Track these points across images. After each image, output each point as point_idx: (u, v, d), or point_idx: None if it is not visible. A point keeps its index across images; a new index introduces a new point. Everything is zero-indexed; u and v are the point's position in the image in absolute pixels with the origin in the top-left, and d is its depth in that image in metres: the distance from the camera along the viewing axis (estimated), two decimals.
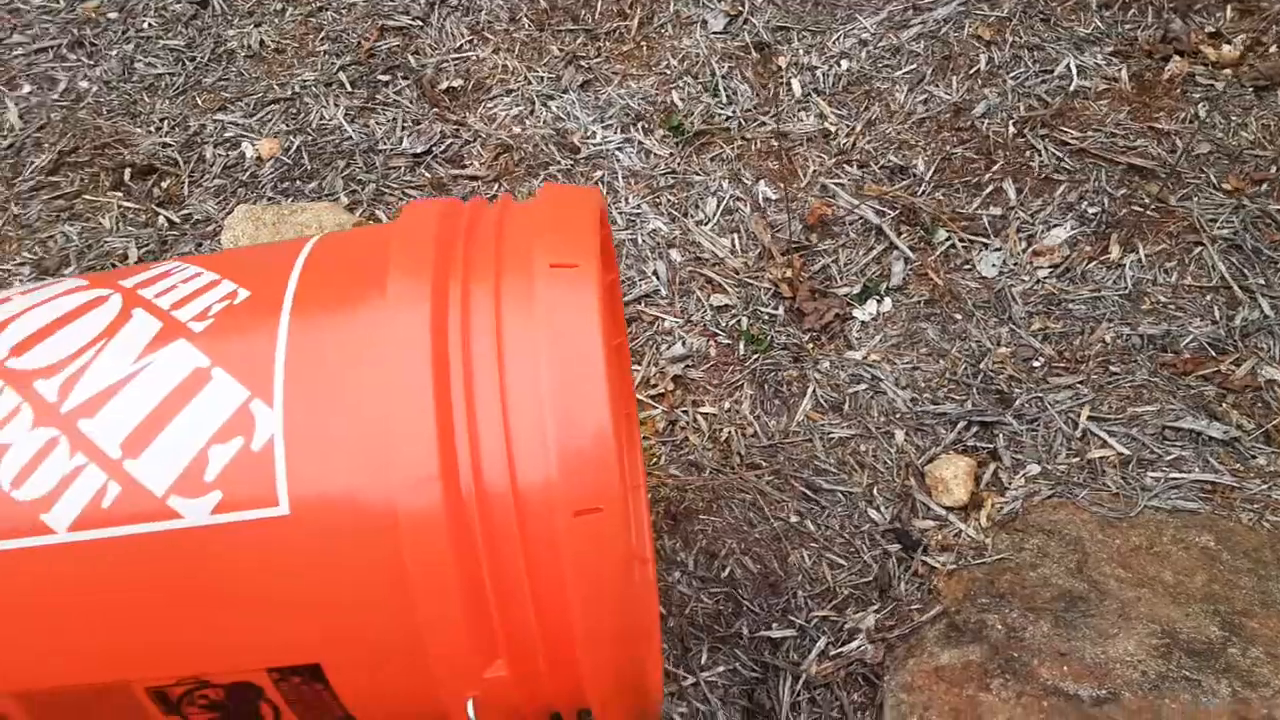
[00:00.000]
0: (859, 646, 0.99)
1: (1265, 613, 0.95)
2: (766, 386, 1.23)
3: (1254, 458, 1.10)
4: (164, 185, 1.46)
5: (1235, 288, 1.25)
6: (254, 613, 0.63)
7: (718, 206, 1.41)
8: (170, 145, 1.50)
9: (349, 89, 1.59)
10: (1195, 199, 1.34)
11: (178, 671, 0.64)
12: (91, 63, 1.64)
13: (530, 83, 1.58)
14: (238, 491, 0.61)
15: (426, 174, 1.48)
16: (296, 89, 1.59)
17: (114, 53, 1.66)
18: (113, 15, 1.72)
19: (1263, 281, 1.26)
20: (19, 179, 1.48)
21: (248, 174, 1.47)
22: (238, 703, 0.67)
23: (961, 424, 1.16)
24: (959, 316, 1.27)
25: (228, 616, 0.63)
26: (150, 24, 1.69)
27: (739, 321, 1.29)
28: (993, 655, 0.94)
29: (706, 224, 1.39)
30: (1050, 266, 1.31)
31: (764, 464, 1.15)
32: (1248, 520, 1.05)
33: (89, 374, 0.65)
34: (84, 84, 1.61)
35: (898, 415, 1.18)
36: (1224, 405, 1.15)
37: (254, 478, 0.61)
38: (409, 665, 0.64)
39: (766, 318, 1.29)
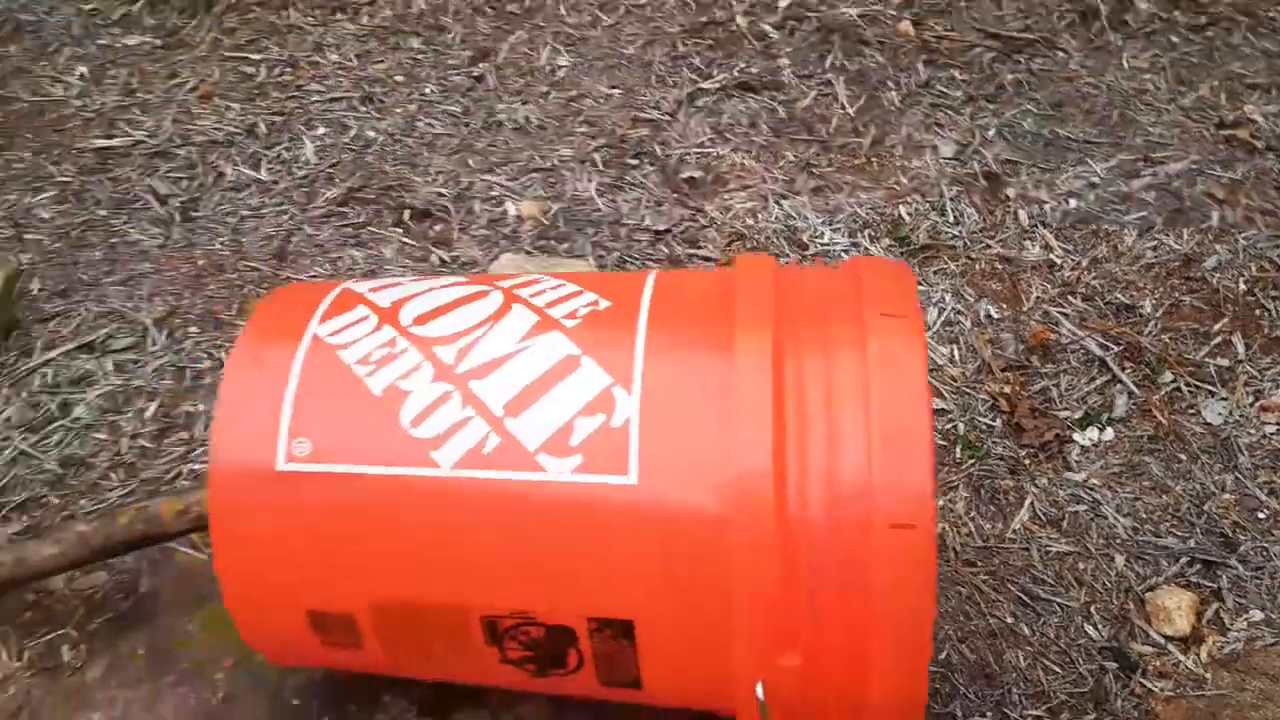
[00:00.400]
0: None
1: None
2: (983, 491, 1.26)
3: None
4: (437, 228, 1.62)
5: None
6: (589, 564, 0.71)
7: (939, 316, 1.47)
8: (444, 195, 1.68)
9: (600, 167, 1.74)
10: None
11: (513, 605, 0.72)
12: (379, 116, 1.85)
13: (765, 181, 1.71)
14: (596, 458, 0.70)
15: (665, 249, 1.60)
16: (555, 162, 1.75)
17: (399, 110, 1.86)
18: (399, 78, 1.94)
19: None
20: (312, 205, 1.67)
21: (509, 229, 1.62)
22: (552, 646, 0.74)
23: (1185, 559, 1.17)
24: (1183, 457, 1.29)
25: (566, 563, 0.71)
26: (432, 90, 1.90)
27: (955, 426, 1.34)
28: None
29: (927, 331, 1.45)
30: (1277, 424, 1.32)
31: (979, 563, 1.18)
32: None
33: (480, 346, 0.75)
34: (371, 133, 1.82)
35: (1118, 540, 1.20)
36: None
37: (610, 449, 0.70)
38: (713, 637, 0.70)
39: (984, 427, 1.34)
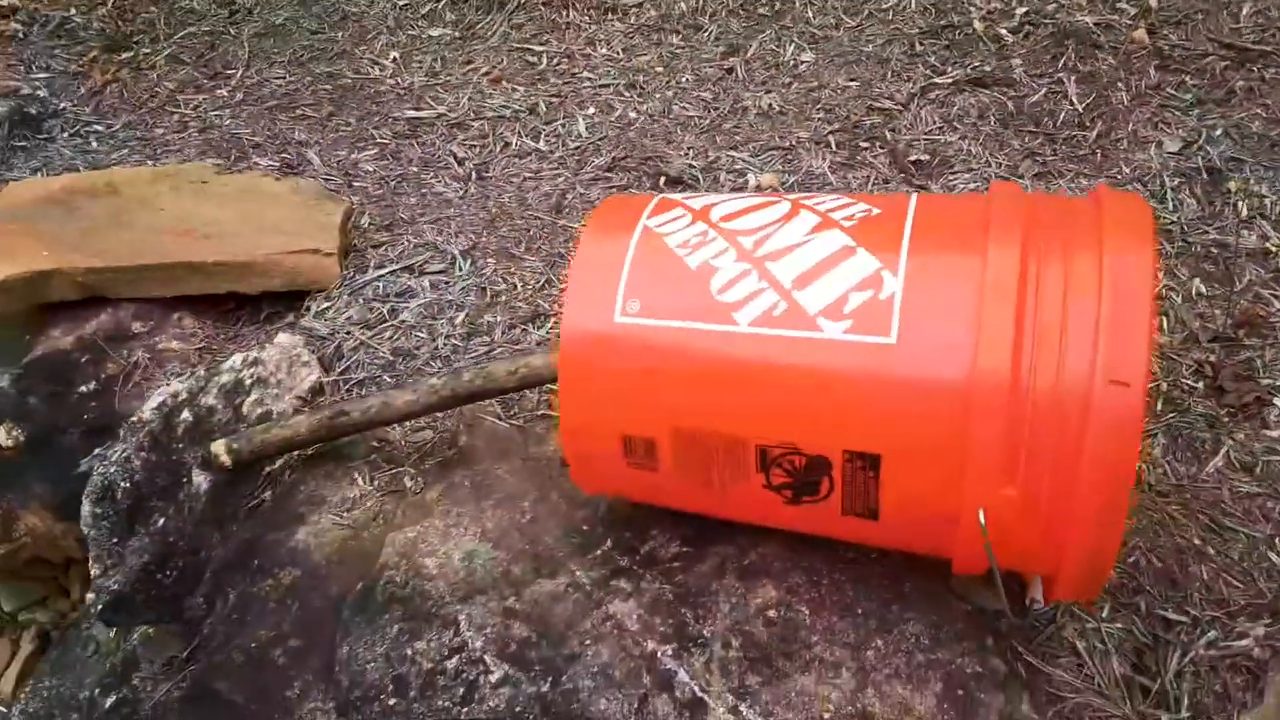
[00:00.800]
0: (1247, 645, 1.12)
1: None
2: (1180, 440, 1.38)
3: None
4: (687, 193, 1.87)
5: None
6: (851, 406, 0.92)
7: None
8: (694, 166, 1.92)
9: (834, 148, 1.95)
10: None
11: (783, 437, 0.94)
12: (641, 100, 2.13)
13: (990, 165, 1.86)
14: (864, 323, 0.91)
15: None
16: (793, 142, 1.97)
17: (658, 96, 2.13)
18: (659, 69, 2.21)
19: None
20: (582, 171, 1.95)
21: None
22: (810, 473, 0.95)
23: None
24: None
25: (832, 403, 0.92)
26: (687, 80, 2.16)
27: (1159, 385, 1.46)
28: None
29: None
30: None
31: (1172, 496, 1.30)
32: None
33: (774, 237, 0.98)
34: (633, 114, 2.10)
35: None
36: None
37: (876, 316, 0.91)
38: (945, 471, 0.89)
39: (1186, 388, 1.45)
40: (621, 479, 1.07)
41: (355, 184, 1.99)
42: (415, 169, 2.02)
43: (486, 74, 2.28)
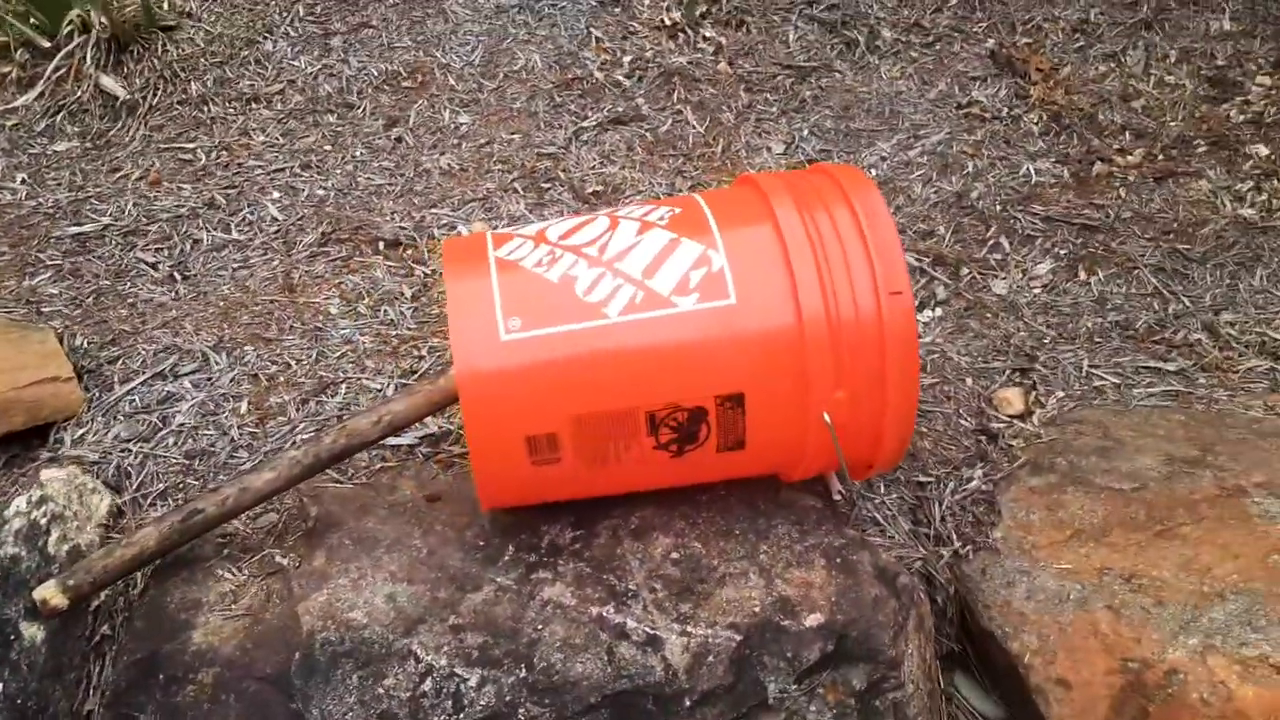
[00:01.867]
0: (976, 484, 1.52)
1: (1224, 445, 1.53)
2: None
3: (1197, 379, 1.72)
4: (409, 252, 2.00)
5: (1164, 292, 1.91)
6: (713, 360, 1.15)
7: None
8: (406, 228, 2.05)
9: (522, 193, 2.18)
10: (1129, 243, 2.02)
11: (666, 399, 1.15)
12: (323, 177, 2.20)
13: (652, 185, 2.21)
14: (708, 292, 1.15)
15: None
16: (484, 193, 2.17)
17: (338, 171, 2.22)
18: (328, 148, 2.29)
19: (1180, 288, 1.92)
20: (295, 250, 2.00)
21: None
22: (692, 423, 1.17)
23: (1008, 370, 1.74)
24: (989, 315, 1.88)
25: (699, 362, 1.15)
26: (362, 152, 2.27)
27: None
28: (1064, 476, 1.49)
29: None
30: (1040, 287, 1.95)
31: None
32: (1201, 408, 1.65)
33: (610, 244, 1.19)
34: (320, 191, 2.17)
35: (964, 369, 1.76)
36: (1172, 354, 1.78)
37: (716, 286, 1.16)
38: (794, 394, 1.16)
39: None
40: (525, 483, 1.21)
41: (44, 310, 1.85)
42: (108, 282, 1.92)
43: (142, 178, 2.20)
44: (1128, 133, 2.30)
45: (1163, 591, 1.31)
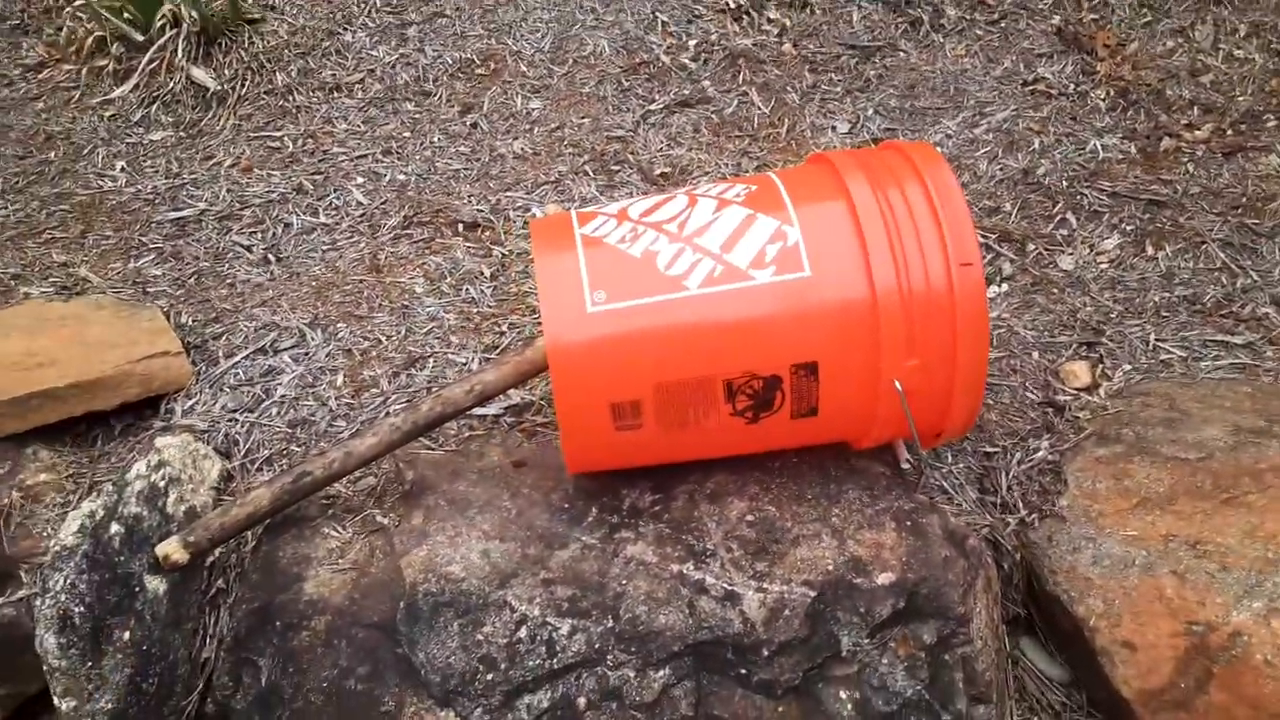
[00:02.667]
0: (1042, 454, 1.56)
1: None
2: None
3: (1264, 352, 1.73)
4: (487, 234, 2.09)
5: (1233, 266, 1.92)
6: (789, 330, 1.21)
7: None
8: (483, 210, 2.14)
9: (592, 175, 2.25)
10: (1197, 218, 2.02)
11: (743, 368, 1.22)
12: (403, 163, 2.30)
13: (720, 166, 2.26)
14: (784, 265, 1.21)
15: None
16: (556, 176, 2.25)
17: (418, 157, 2.31)
18: (407, 134, 2.39)
19: (1249, 263, 1.92)
20: (380, 233, 2.09)
21: None
22: (767, 390, 1.23)
23: (1075, 344, 1.77)
24: (1055, 290, 1.91)
25: (775, 331, 1.21)
26: (439, 138, 2.36)
27: None
28: (1130, 447, 1.53)
29: None
30: (1107, 262, 1.97)
31: None
32: (1268, 380, 1.66)
33: (690, 221, 1.25)
34: (401, 176, 2.26)
35: (1030, 343, 1.79)
36: (1239, 327, 1.79)
37: (791, 259, 1.22)
38: (866, 363, 1.22)
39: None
40: (608, 447, 1.28)
41: (150, 290, 1.97)
42: (207, 264, 2.04)
43: (234, 165, 2.32)
44: (1196, 108, 2.30)
45: (1227, 557, 1.34)
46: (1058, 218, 2.07)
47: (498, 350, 1.75)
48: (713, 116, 2.41)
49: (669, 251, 1.23)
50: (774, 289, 1.21)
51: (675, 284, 1.21)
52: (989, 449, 1.59)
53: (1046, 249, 2.00)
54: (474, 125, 2.40)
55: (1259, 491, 1.42)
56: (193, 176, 2.30)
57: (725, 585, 1.22)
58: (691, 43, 2.61)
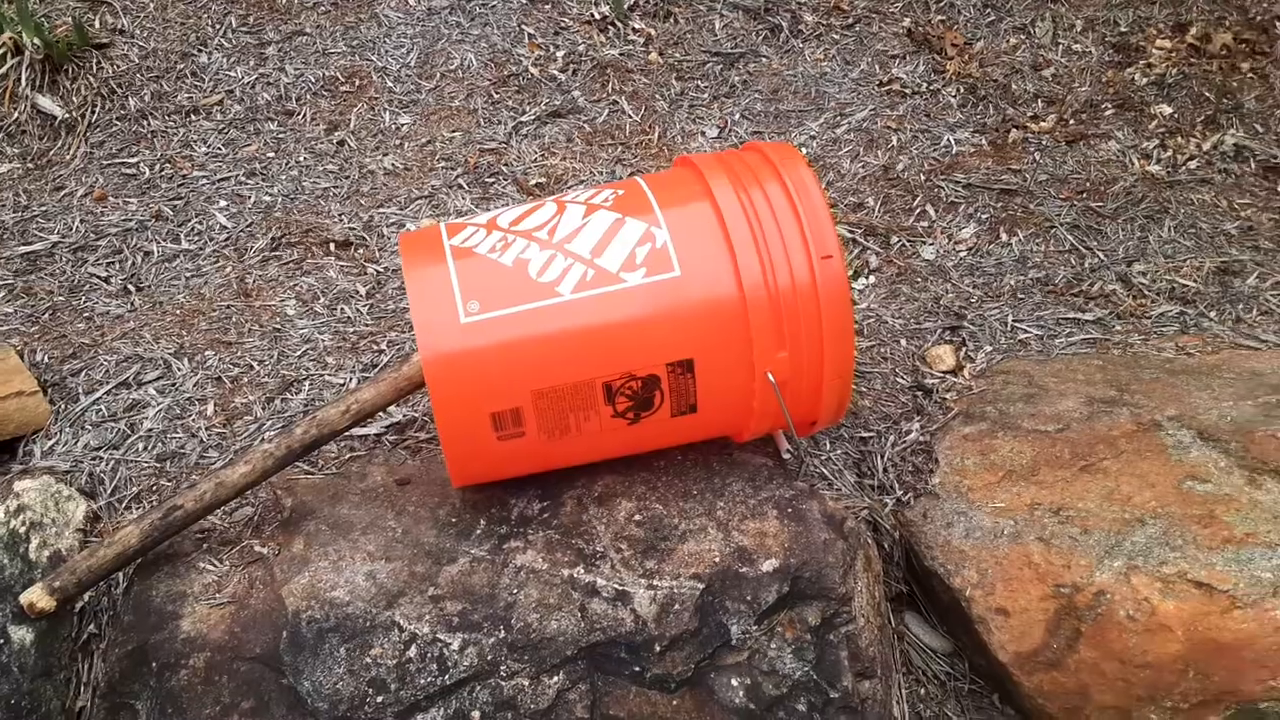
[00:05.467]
0: (914, 436, 1.63)
1: (1139, 384, 1.65)
2: None
3: (1113, 326, 1.84)
4: (360, 252, 2.05)
5: (1080, 248, 2.03)
6: (662, 330, 1.23)
7: None
8: (355, 228, 2.10)
9: (467, 188, 2.24)
10: (1045, 204, 2.14)
11: (620, 369, 1.23)
12: (269, 184, 2.24)
13: (594, 174, 2.28)
14: (654, 267, 1.23)
15: None
16: (430, 191, 2.23)
17: (284, 177, 2.26)
18: (271, 155, 2.33)
19: (1095, 244, 2.04)
20: (247, 256, 2.04)
21: None
22: (646, 390, 1.25)
23: (939, 330, 1.85)
24: (919, 280, 1.99)
25: (650, 332, 1.23)
26: (305, 158, 2.31)
27: None
28: (994, 423, 1.60)
29: None
30: (965, 251, 2.07)
31: None
32: (1117, 352, 1.77)
33: (559, 228, 1.26)
34: (267, 198, 2.21)
35: (897, 331, 1.86)
36: (1089, 304, 1.90)
37: (661, 260, 1.24)
38: (739, 357, 1.25)
39: None
40: (492, 458, 1.28)
41: (1, 328, 1.87)
42: (62, 298, 1.95)
43: (87, 194, 2.22)
44: (1040, 100, 2.43)
45: (1088, 521, 1.42)
46: (918, 210, 2.15)
47: (376, 369, 1.73)
48: (585, 126, 2.42)
49: (540, 259, 1.23)
50: (646, 290, 1.23)
51: (548, 290, 1.22)
52: (864, 434, 1.65)
53: (909, 240, 2.08)
54: (341, 143, 2.35)
55: (1113, 458, 1.51)
56: (43, 208, 2.19)
57: (616, 586, 1.23)
58: (560, 54, 2.63)
